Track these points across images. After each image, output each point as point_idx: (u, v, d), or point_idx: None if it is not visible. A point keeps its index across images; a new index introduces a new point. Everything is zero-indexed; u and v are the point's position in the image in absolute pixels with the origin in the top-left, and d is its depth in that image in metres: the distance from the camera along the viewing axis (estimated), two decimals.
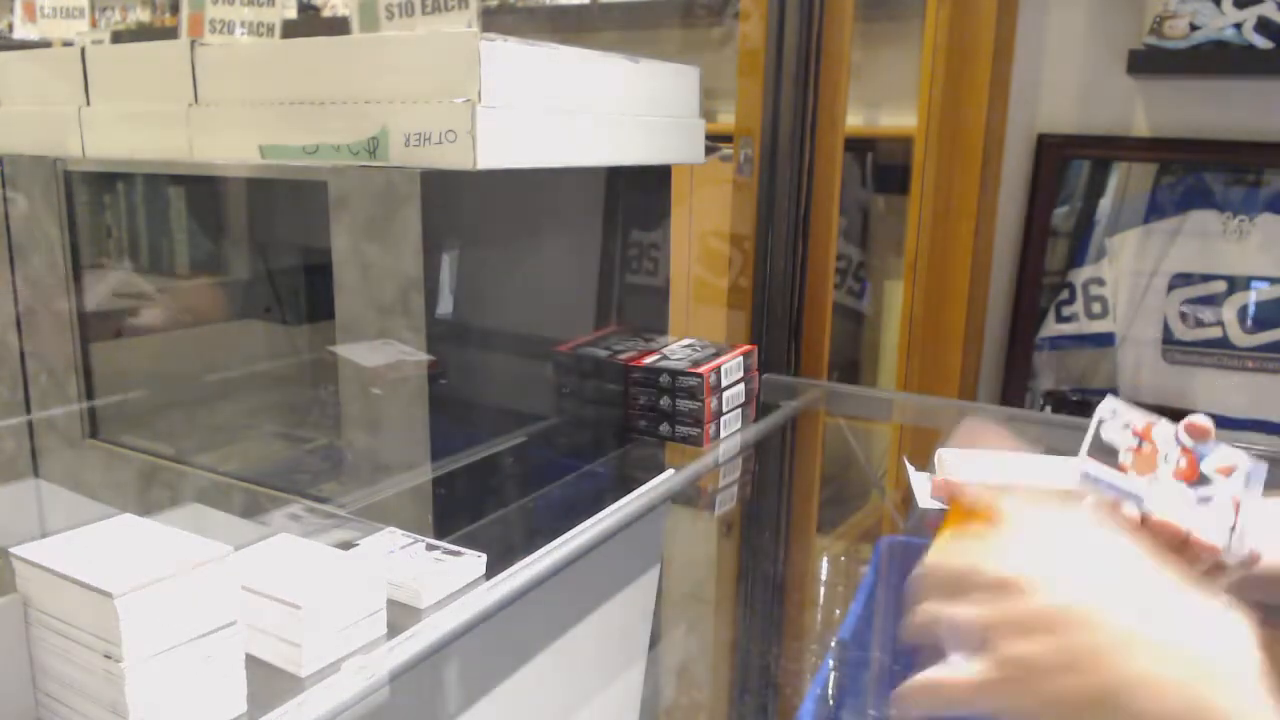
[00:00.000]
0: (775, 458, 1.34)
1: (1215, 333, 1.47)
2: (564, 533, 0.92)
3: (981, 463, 1.17)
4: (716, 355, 1.17)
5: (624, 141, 1.10)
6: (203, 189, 1.30)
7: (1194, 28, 1.37)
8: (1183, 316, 1.49)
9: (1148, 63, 1.43)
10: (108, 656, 0.59)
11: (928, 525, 1.12)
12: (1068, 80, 1.56)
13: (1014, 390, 1.62)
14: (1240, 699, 0.41)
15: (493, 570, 0.85)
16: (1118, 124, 1.54)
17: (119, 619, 0.58)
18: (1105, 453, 0.65)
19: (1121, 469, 0.65)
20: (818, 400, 1.49)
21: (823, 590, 1.16)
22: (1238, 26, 1.35)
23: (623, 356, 1.15)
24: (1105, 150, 1.55)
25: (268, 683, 0.69)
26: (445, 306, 0.94)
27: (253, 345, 1.33)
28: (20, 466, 1.26)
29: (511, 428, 1.08)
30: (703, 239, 1.76)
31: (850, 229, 1.90)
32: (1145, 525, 0.64)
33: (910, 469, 1.23)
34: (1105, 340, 1.55)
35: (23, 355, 1.26)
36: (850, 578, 1.16)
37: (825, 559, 1.25)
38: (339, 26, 2.56)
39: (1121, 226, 1.54)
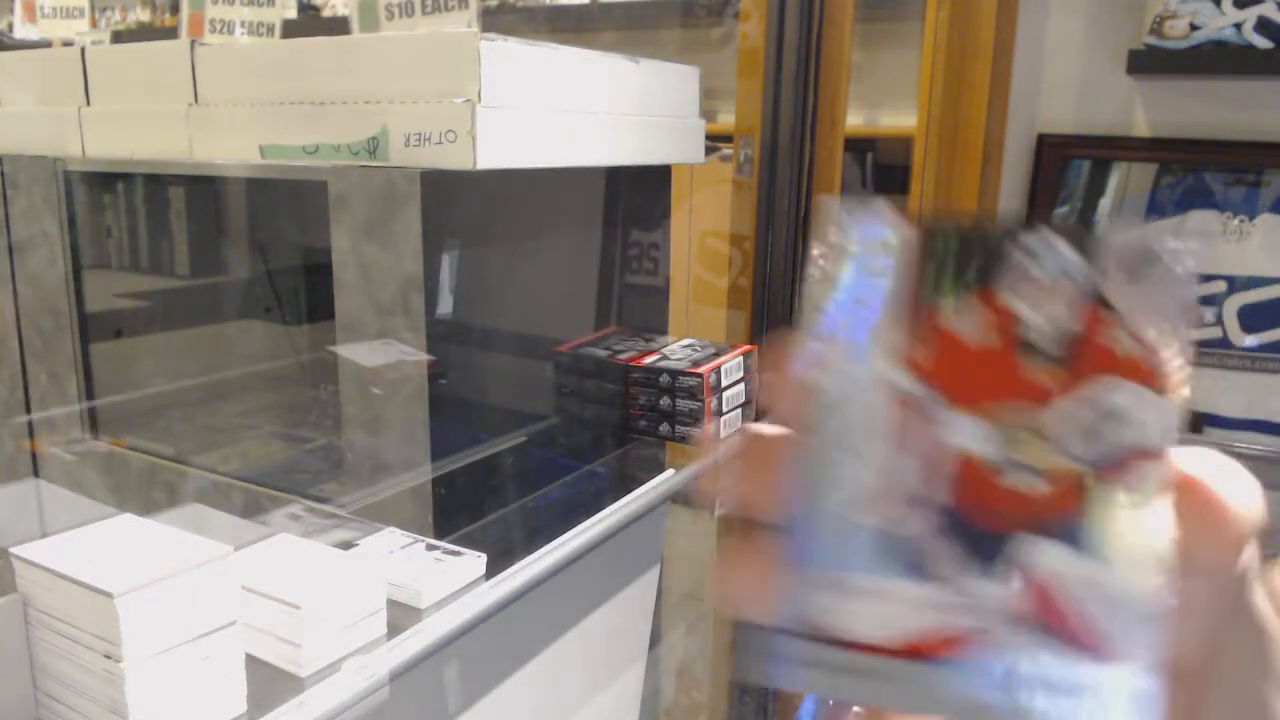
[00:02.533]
0: None
1: (1215, 333, 1.47)
2: (564, 533, 0.92)
3: None
4: (716, 355, 1.17)
5: (624, 141, 1.10)
6: (203, 189, 1.30)
7: (1194, 28, 1.37)
8: None
9: (1148, 63, 1.43)
10: (108, 656, 0.59)
11: None
12: (1068, 80, 1.56)
13: None
14: None
15: (493, 570, 0.85)
16: (1118, 124, 1.54)
17: (119, 619, 0.58)
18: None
19: None
20: None
21: None
22: (1238, 26, 1.35)
23: (623, 356, 1.15)
24: (1105, 150, 1.55)
25: (268, 683, 0.69)
26: (445, 306, 0.94)
27: (253, 345, 1.33)
28: (20, 466, 1.26)
29: (511, 428, 1.08)
30: (703, 239, 1.76)
31: None
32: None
33: None
34: None
35: (23, 355, 1.26)
36: None
37: None
38: (339, 26, 2.56)
39: None
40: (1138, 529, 0.22)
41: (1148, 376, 0.23)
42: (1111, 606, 0.22)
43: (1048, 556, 0.23)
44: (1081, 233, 0.24)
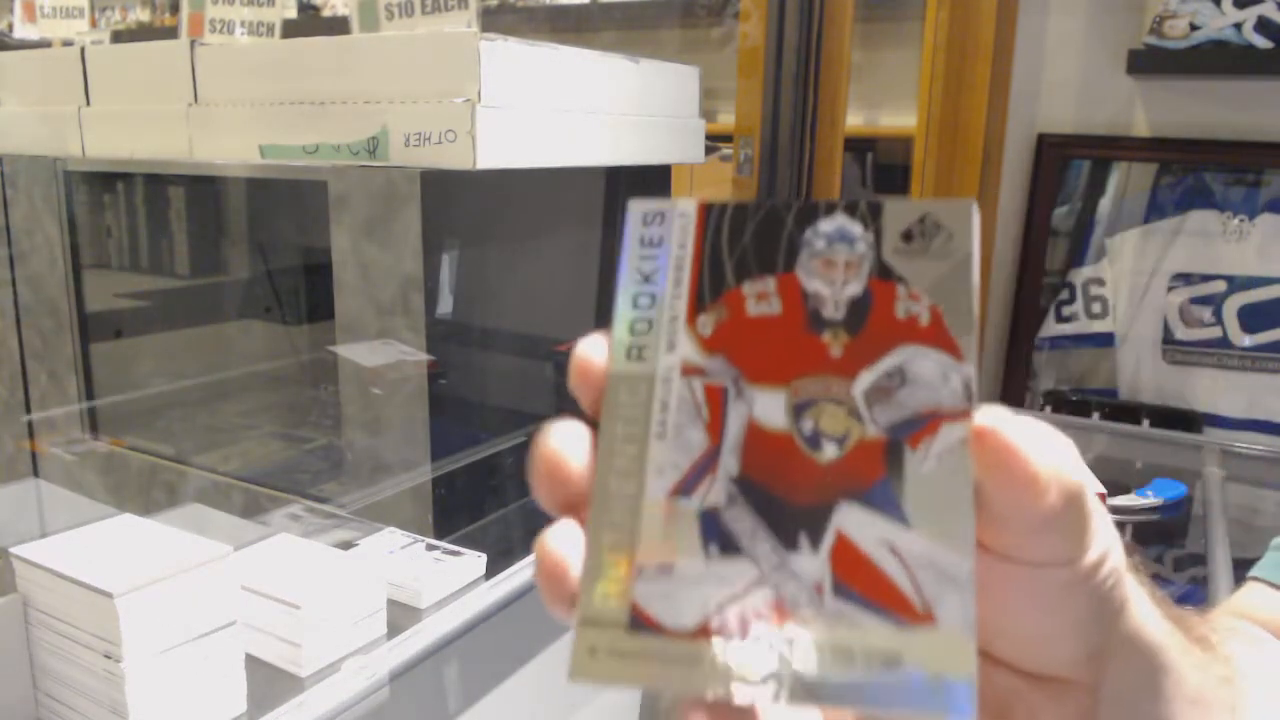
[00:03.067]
0: None
1: (1215, 333, 1.47)
2: None
3: None
4: None
5: (624, 141, 1.10)
6: (203, 189, 1.30)
7: (1194, 27, 1.37)
8: (1182, 316, 1.49)
9: (1148, 63, 1.42)
10: (108, 656, 0.59)
11: None
12: (1068, 80, 1.56)
13: (1014, 390, 1.62)
14: None
15: (493, 570, 0.85)
16: (1117, 124, 1.54)
17: (119, 619, 0.58)
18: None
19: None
20: None
21: None
22: (1237, 26, 1.35)
23: None
24: (1105, 150, 1.55)
25: (268, 683, 0.69)
26: (445, 306, 0.94)
27: (253, 345, 1.33)
28: (20, 466, 1.26)
29: (511, 428, 1.08)
30: None
31: None
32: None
33: None
34: (1105, 340, 1.55)
35: (23, 355, 1.26)
36: None
37: None
38: (339, 26, 2.56)
39: (1121, 226, 1.54)
40: (938, 489, 0.22)
41: (937, 341, 0.23)
42: (918, 568, 0.22)
43: (852, 523, 0.23)
44: (863, 208, 0.24)
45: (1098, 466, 1.10)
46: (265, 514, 1.03)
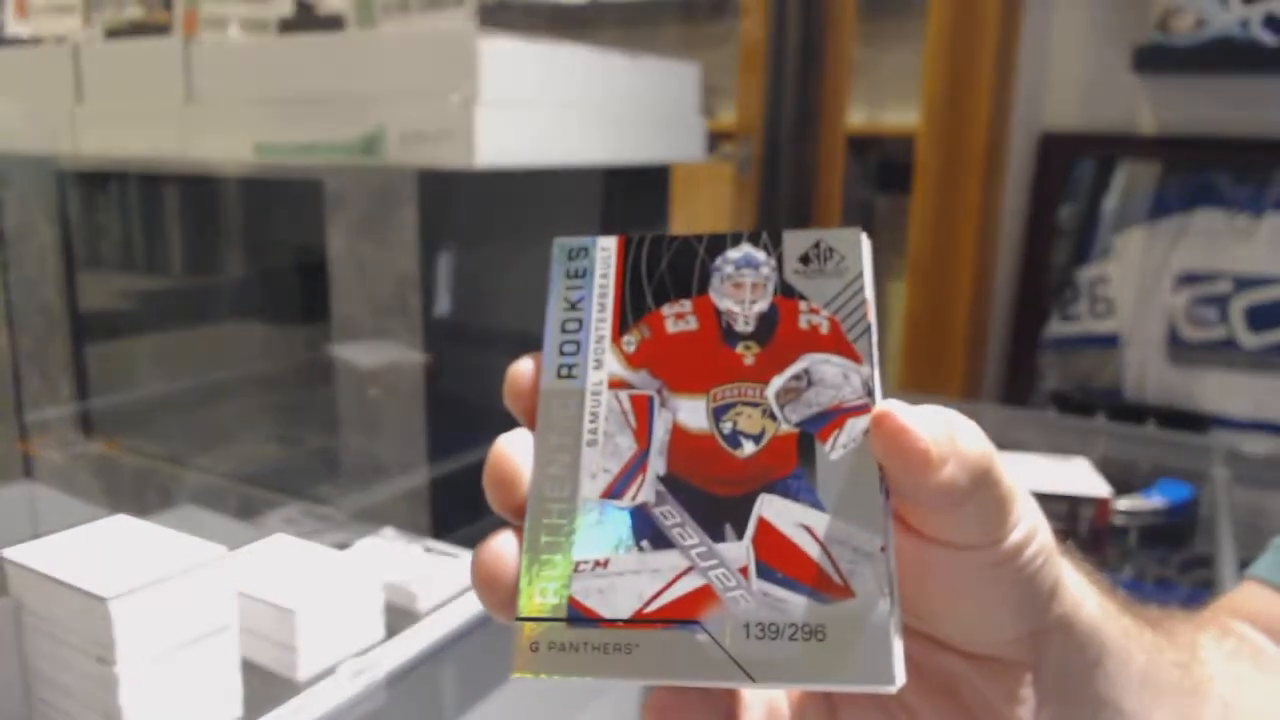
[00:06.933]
0: None
1: (1221, 333, 1.46)
2: None
3: None
4: None
5: (623, 140, 1.09)
6: (197, 188, 1.30)
7: (1200, 24, 1.37)
8: (1189, 316, 1.48)
9: (1153, 59, 1.42)
10: (101, 661, 0.58)
11: None
12: (1072, 77, 1.55)
13: (1018, 390, 1.62)
14: None
15: None
16: (1123, 121, 1.53)
17: (112, 623, 0.57)
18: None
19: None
20: None
21: None
22: (1244, 23, 1.35)
23: None
24: (1110, 148, 1.54)
25: (264, 686, 0.68)
26: (442, 306, 0.93)
27: (248, 345, 1.32)
28: (13, 469, 1.25)
29: (509, 428, 1.07)
30: None
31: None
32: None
33: None
34: (1110, 340, 1.54)
35: (15, 356, 1.26)
36: None
37: None
38: (335, 23, 2.55)
39: (1127, 225, 1.53)
40: (847, 474, 0.25)
41: (837, 348, 0.26)
42: (834, 547, 0.24)
43: (772, 510, 0.25)
44: (765, 237, 0.28)
45: (1103, 467, 1.09)
46: (261, 516, 1.03)
